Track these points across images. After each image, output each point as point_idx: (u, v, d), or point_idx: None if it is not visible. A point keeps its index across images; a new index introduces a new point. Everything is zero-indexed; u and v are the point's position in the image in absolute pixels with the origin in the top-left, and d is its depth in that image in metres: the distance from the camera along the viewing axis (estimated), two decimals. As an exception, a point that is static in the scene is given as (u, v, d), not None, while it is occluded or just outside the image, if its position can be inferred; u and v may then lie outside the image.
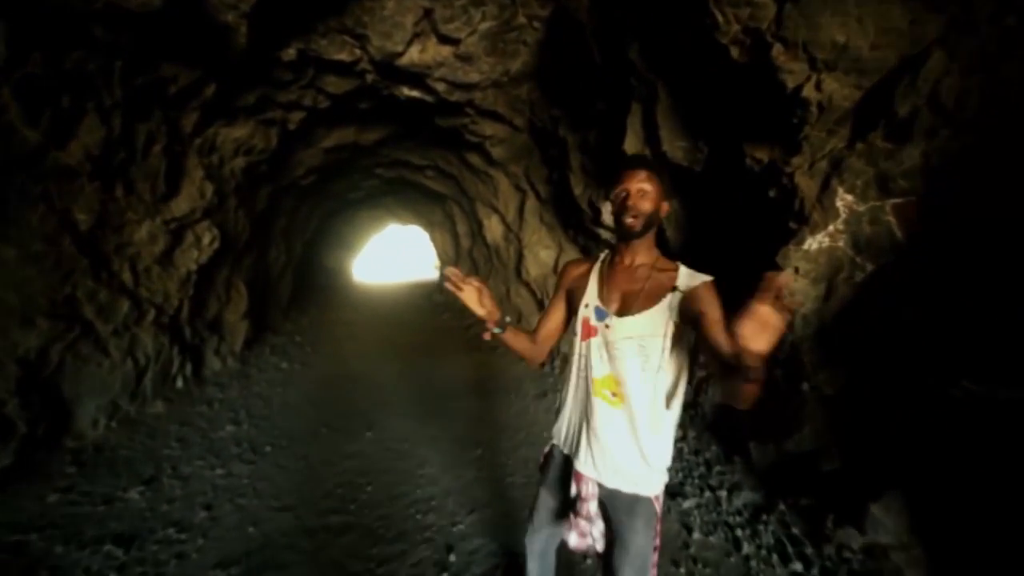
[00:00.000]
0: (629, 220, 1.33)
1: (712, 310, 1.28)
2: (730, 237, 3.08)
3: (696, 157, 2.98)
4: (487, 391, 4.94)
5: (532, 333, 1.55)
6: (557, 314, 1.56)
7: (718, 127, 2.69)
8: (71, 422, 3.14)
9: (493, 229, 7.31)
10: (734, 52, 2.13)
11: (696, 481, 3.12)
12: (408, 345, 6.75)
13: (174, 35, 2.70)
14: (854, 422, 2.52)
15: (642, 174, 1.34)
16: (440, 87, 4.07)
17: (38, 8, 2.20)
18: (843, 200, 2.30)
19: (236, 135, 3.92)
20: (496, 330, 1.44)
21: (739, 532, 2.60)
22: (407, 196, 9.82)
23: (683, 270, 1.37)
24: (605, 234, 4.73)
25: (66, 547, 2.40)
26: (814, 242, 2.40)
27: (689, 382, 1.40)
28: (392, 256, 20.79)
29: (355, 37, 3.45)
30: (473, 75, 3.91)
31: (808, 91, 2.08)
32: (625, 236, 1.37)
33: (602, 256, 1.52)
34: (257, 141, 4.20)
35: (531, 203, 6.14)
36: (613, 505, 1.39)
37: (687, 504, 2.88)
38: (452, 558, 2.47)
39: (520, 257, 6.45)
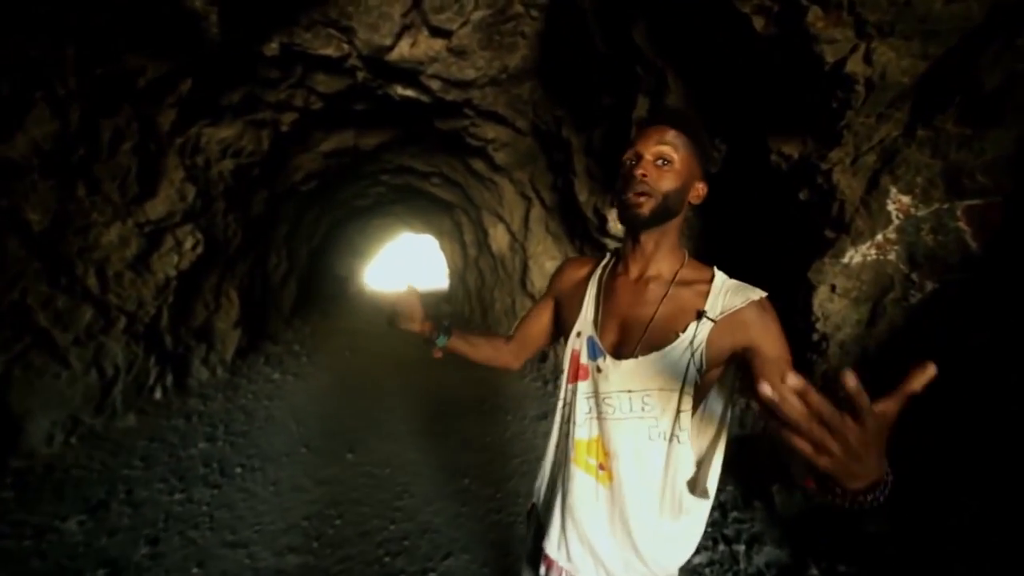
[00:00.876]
0: (632, 198, 0.90)
1: (766, 347, 0.85)
2: (755, 249, 2.68)
3: (713, 156, 2.60)
4: (483, 410, 4.59)
5: (506, 337, 1.24)
6: (540, 320, 1.20)
7: (739, 119, 2.32)
8: (20, 439, 2.91)
9: (499, 239, 7.01)
10: (757, 23, 1.77)
11: (708, 530, 2.67)
12: (409, 357, 6.45)
13: (134, 20, 2.50)
14: (909, 477, 2.07)
15: (668, 133, 0.90)
16: (435, 85, 3.80)
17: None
18: (896, 202, 1.89)
19: (222, 136, 3.72)
20: (439, 341, 1.16)
21: (761, 601, 2.16)
22: (416, 204, 9.64)
23: (718, 282, 0.93)
24: (612, 245, 4.36)
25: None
26: (856, 254, 1.98)
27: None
28: (405, 265, 20.74)
29: (341, 30, 3.22)
30: (469, 71, 3.63)
31: (854, 65, 1.69)
32: (629, 224, 0.95)
33: (607, 258, 1.11)
34: (246, 143, 4.00)
35: (537, 211, 5.82)
36: None
37: (698, 559, 2.45)
38: (415, 617, 2.11)
39: (525, 268, 6.12)
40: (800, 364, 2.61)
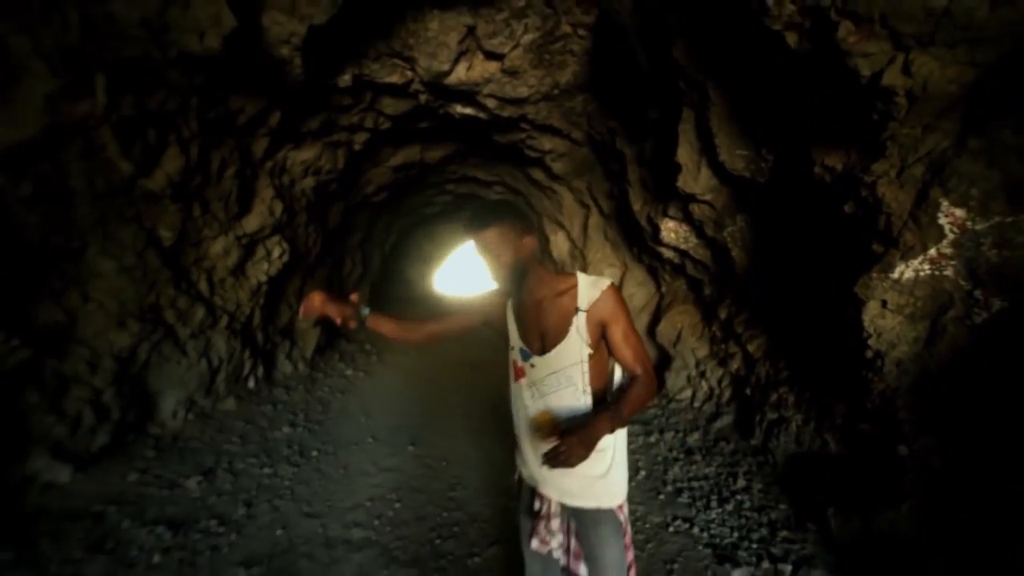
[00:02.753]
0: (493, 279, 1.42)
1: (614, 325, 1.34)
2: (803, 260, 2.60)
3: (760, 167, 2.57)
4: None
5: (417, 322, 1.63)
6: (457, 324, 1.63)
7: (782, 131, 2.28)
8: (155, 412, 3.55)
9: (559, 245, 7.13)
10: (790, 39, 1.77)
11: (753, 546, 2.63)
12: (471, 358, 6.76)
13: (238, 72, 2.98)
14: (973, 508, 1.92)
15: (479, 239, 1.37)
16: (491, 103, 4.04)
17: (126, 60, 2.54)
18: (949, 216, 1.79)
19: (304, 157, 4.24)
20: (363, 311, 1.53)
21: (801, 622, 2.12)
22: (480, 211, 10.00)
23: (581, 284, 1.37)
24: (667, 253, 4.33)
25: (131, 523, 2.68)
26: (907, 269, 1.90)
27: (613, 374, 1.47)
28: (472, 269, 21.40)
29: (404, 60, 3.55)
30: (522, 89, 3.83)
31: (892, 77, 1.64)
32: (500, 288, 1.47)
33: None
34: (324, 162, 4.50)
35: (595, 219, 5.87)
36: (581, 521, 1.43)
37: (737, 573, 2.43)
38: (459, 594, 2.33)
39: (582, 274, 6.18)
40: (852, 382, 2.48)
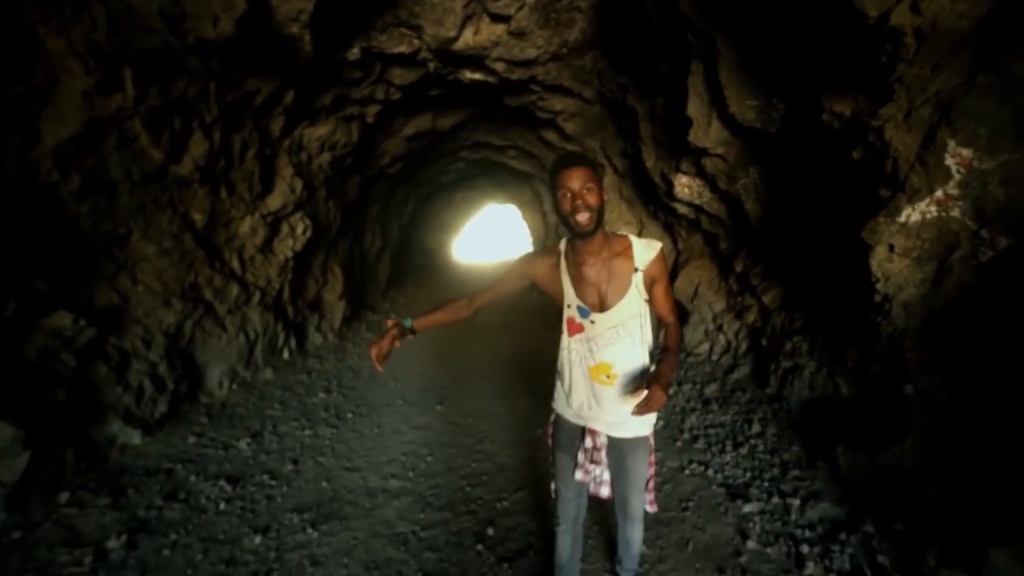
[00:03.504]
0: (582, 218, 1.38)
1: (660, 282, 1.52)
2: (815, 209, 2.61)
3: (771, 117, 2.55)
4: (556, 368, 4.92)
5: (466, 299, 1.69)
6: (506, 291, 1.69)
7: (792, 79, 2.26)
8: (204, 383, 3.87)
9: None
10: (795, -16, 1.74)
11: (765, 484, 2.78)
12: (494, 323, 6.97)
13: (252, 54, 3.06)
14: (975, 439, 2.01)
15: (582, 171, 1.38)
16: (499, 67, 4.02)
17: (149, 52, 2.64)
18: (956, 156, 1.79)
19: (319, 133, 4.33)
20: (406, 322, 1.60)
21: (806, 548, 2.27)
22: (496, 177, 9.99)
23: (636, 245, 1.50)
24: (682, 208, 4.33)
25: (196, 478, 3.02)
26: (914, 212, 1.91)
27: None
28: (491, 235, 21.44)
29: (411, 28, 3.55)
30: (530, 50, 3.79)
31: (900, 17, 1.62)
32: (581, 234, 1.42)
33: (562, 250, 1.59)
34: (339, 137, 4.59)
35: (610, 178, 5.84)
36: (620, 448, 1.63)
37: (748, 508, 2.60)
38: (490, 531, 2.56)
39: (598, 235, 6.21)
40: (863, 327, 2.53)
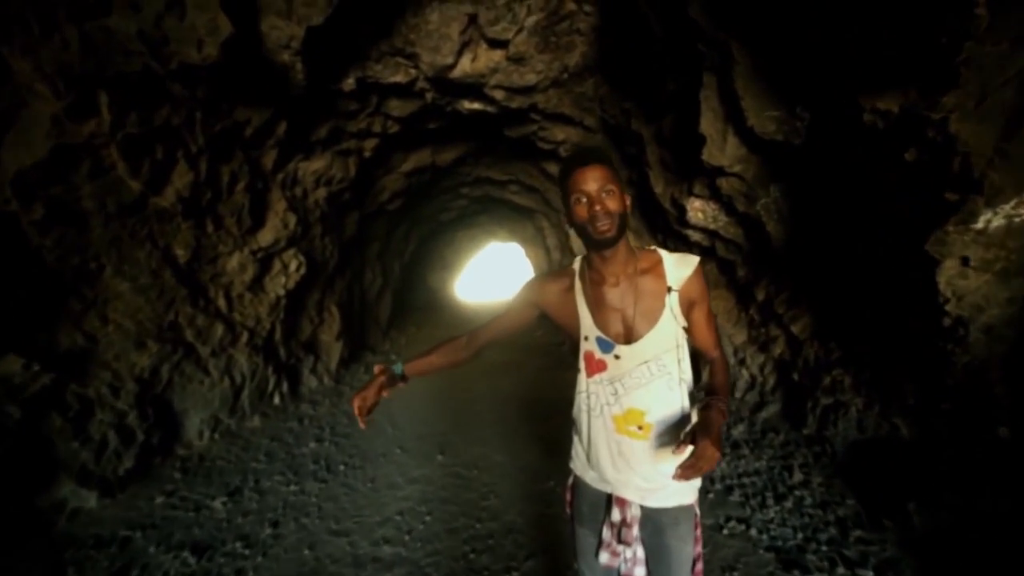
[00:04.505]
0: (603, 227, 1.13)
1: (700, 305, 1.25)
2: (850, 224, 2.34)
3: (793, 127, 2.34)
4: (569, 414, 4.54)
5: (463, 338, 1.43)
6: (517, 323, 1.41)
7: (820, 81, 2.05)
8: (181, 433, 3.52)
9: (578, 240, 6.94)
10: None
11: (823, 548, 2.36)
12: (497, 363, 6.62)
13: (241, 82, 2.93)
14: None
15: (599, 170, 1.14)
16: (498, 95, 3.91)
17: (128, 76, 2.51)
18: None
19: (315, 167, 4.19)
20: (397, 368, 1.37)
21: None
22: (498, 213, 9.91)
23: (667, 261, 1.24)
24: (695, 235, 4.09)
25: (157, 548, 2.63)
26: (996, 216, 1.63)
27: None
28: (493, 274, 21.33)
29: (407, 57, 3.46)
30: (530, 76, 3.68)
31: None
32: (601, 246, 1.17)
33: (576, 269, 1.32)
34: (336, 171, 4.46)
35: (614, 208, 5.66)
36: (657, 522, 1.30)
37: (811, 583, 2.17)
38: (498, 613, 2.15)
39: (605, 267, 5.97)
40: (926, 357, 2.20)
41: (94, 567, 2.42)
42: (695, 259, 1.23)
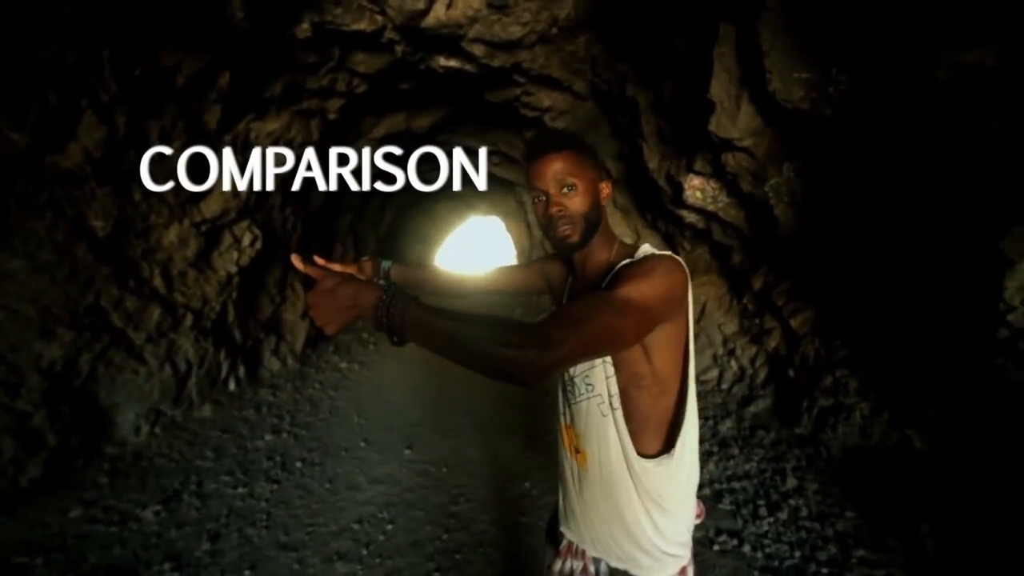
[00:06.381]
0: (563, 232, 0.95)
1: (625, 276, 0.92)
2: (888, 214, 2.03)
3: (825, 94, 1.98)
4: (548, 404, 4.28)
5: (460, 274, 1.31)
6: (518, 279, 1.30)
7: (874, 31, 1.68)
8: (112, 429, 3.13)
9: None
10: None
11: (823, 571, 2.14)
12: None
13: (163, 16, 2.40)
14: None
15: (558, 161, 0.93)
16: (478, 50, 3.43)
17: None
18: None
19: (270, 128, 3.68)
20: (386, 263, 1.22)
21: None
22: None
23: (638, 255, 0.97)
24: (689, 216, 3.76)
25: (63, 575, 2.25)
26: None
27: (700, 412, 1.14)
28: (475, 249, 20.86)
29: (372, 0, 2.95)
30: (514, 29, 3.21)
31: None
32: (563, 252, 1.02)
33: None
34: (296, 134, 3.95)
35: (603, 184, 5.28)
36: None
37: (809, 610, 1.96)
38: (463, 649, 1.89)
39: (591, 247, 5.63)
40: (964, 369, 1.94)
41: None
42: (661, 253, 0.94)
